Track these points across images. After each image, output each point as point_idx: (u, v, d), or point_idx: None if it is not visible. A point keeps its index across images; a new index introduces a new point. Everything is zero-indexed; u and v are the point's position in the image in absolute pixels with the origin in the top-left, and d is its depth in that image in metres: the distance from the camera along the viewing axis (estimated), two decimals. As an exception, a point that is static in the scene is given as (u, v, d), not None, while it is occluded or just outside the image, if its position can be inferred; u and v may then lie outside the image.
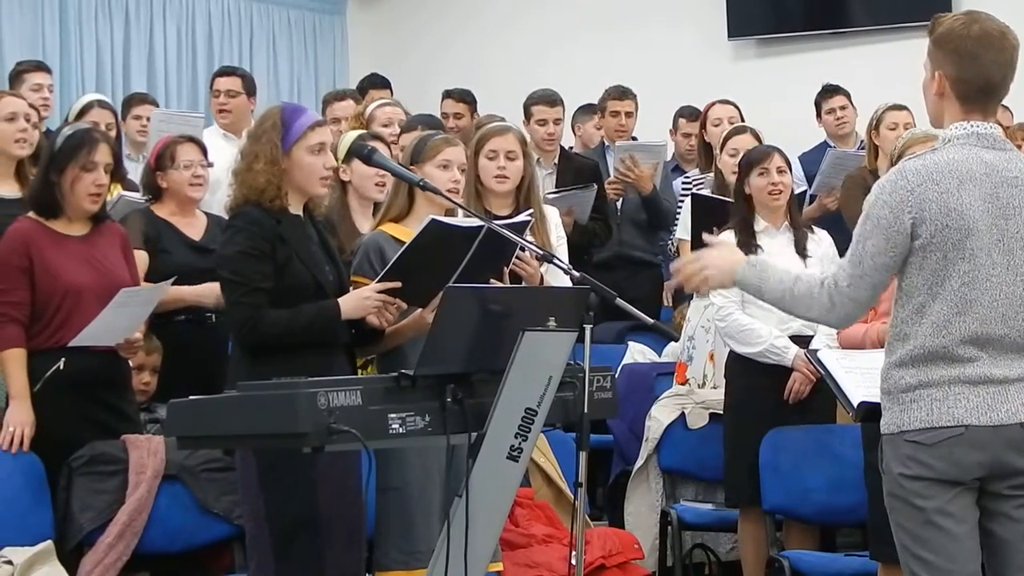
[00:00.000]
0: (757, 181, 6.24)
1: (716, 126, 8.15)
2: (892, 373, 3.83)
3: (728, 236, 6.21)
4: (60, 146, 5.44)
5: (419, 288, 4.67)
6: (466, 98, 8.95)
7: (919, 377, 3.77)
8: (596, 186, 7.85)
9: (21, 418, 5.29)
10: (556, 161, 8.14)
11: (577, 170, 8.07)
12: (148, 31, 10.77)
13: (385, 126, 7.04)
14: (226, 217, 4.95)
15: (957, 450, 3.73)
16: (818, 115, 9.07)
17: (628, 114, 9.02)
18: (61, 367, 5.32)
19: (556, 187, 7.88)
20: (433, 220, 4.59)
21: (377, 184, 5.89)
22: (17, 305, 5.31)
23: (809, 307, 3.93)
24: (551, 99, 8.19)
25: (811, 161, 8.49)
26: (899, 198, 3.78)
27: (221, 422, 3.80)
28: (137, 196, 6.49)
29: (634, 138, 9.02)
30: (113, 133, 6.98)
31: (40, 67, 7.96)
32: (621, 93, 9.06)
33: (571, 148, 9.00)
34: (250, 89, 8.45)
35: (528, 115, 8.19)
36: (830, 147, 8.79)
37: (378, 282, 4.67)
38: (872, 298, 3.91)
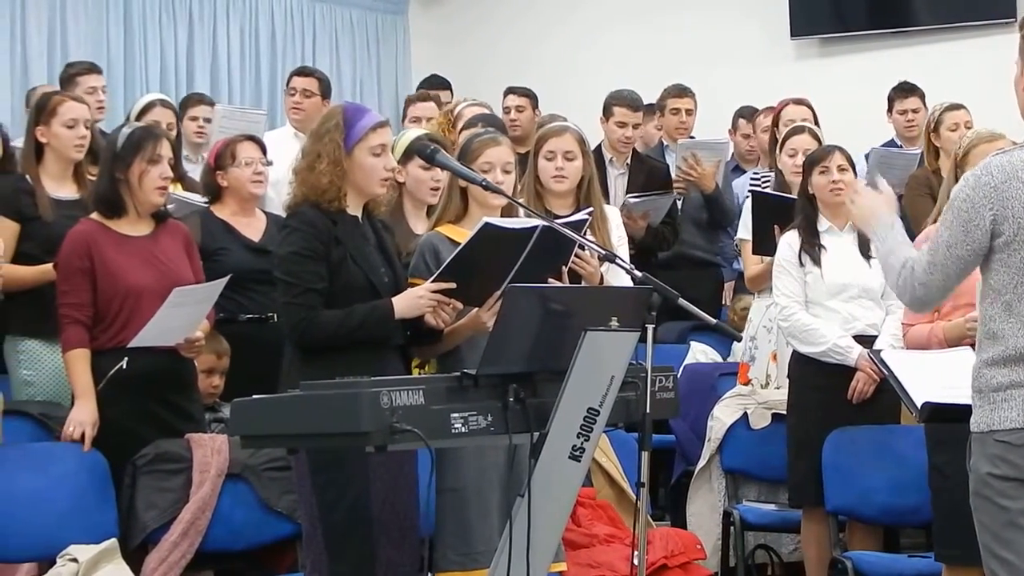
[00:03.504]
0: (818, 180, 6.23)
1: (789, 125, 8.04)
2: (983, 372, 3.80)
3: (791, 237, 6.19)
4: (123, 143, 5.48)
5: (475, 288, 4.65)
6: (527, 93, 8.97)
7: (1011, 377, 3.74)
8: (675, 194, 7.85)
9: (84, 417, 5.33)
10: (628, 162, 8.11)
11: (649, 172, 8.07)
12: (211, 32, 10.81)
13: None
14: (284, 216, 4.97)
15: None
16: (889, 110, 8.97)
17: (688, 112, 9.01)
18: (124, 367, 5.37)
19: (627, 188, 7.89)
20: (487, 223, 4.55)
21: (432, 188, 5.83)
22: (80, 306, 5.36)
23: (891, 280, 4.02)
24: (635, 103, 8.15)
25: (875, 161, 8.41)
26: (982, 193, 3.76)
27: (284, 421, 3.80)
28: (192, 196, 6.49)
29: (692, 136, 9.00)
30: (173, 133, 6.96)
31: (92, 69, 7.83)
32: (681, 91, 9.05)
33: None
34: (325, 92, 8.49)
35: (608, 113, 8.15)
36: (896, 146, 8.71)
37: (432, 281, 4.66)
38: (944, 287, 3.90)
